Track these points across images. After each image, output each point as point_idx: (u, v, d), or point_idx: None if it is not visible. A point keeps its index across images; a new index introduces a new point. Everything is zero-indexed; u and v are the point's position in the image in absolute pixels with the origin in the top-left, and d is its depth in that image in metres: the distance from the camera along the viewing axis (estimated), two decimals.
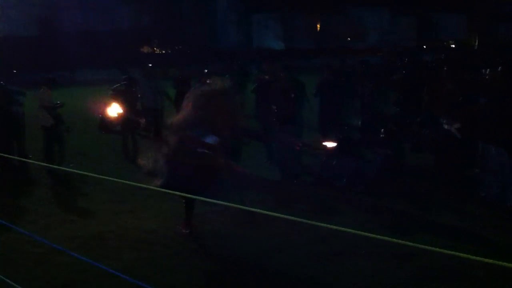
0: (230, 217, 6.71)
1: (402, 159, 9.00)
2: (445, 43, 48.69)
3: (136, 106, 11.63)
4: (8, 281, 4.42)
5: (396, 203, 7.40)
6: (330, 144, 8.78)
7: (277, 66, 10.85)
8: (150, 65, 13.26)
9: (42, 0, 37.39)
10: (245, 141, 9.95)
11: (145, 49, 41.98)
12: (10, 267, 5.53)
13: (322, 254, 5.62)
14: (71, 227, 6.75)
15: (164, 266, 5.45)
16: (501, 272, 4.87)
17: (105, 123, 13.45)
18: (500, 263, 2.21)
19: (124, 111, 11.16)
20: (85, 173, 4.59)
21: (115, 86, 12.65)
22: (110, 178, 4.08)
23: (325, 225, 2.72)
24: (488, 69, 8.92)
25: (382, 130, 8.99)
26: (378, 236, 2.58)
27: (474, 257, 2.32)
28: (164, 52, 42.42)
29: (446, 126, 7.91)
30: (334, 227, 2.64)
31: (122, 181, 3.78)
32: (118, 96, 11.71)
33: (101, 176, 4.28)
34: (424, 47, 42.47)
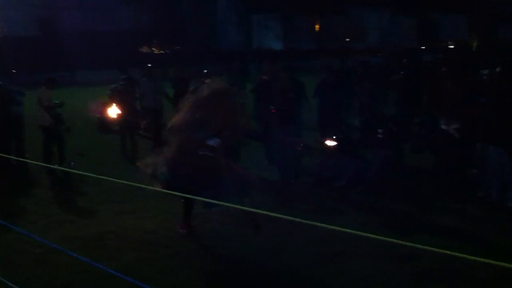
0: (231, 218, 6.71)
1: (402, 160, 9.00)
2: (445, 43, 48.63)
3: (133, 106, 11.61)
4: (8, 282, 4.42)
5: (395, 203, 7.40)
6: (330, 144, 8.78)
7: (277, 67, 10.86)
8: (150, 65, 13.25)
9: (42, 0, 37.34)
10: (245, 141, 9.94)
11: (145, 49, 41.94)
12: (10, 267, 5.53)
13: (322, 254, 5.62)
14: (71, 227, 6.75)
15: (164, 266, 5.45)
16: (501, 272, 4.87)
17: (104, 123, 13.44)
18: (500, 263, 2.21)
19: (121, 110, 11.14)
20: (85, 173, 4.59)
21: (112, 85, 12.64)
22: (110, 179, 4.08)
23: (325, 225, 2.73)
24: (488, 70, 8.92)
25: (382, 130, 8.99)
26: (378, 237, 2.58)
27: (473, 258, 2.32)
28: (164, 52, 42.36)
29: (445, 127, 7.91)
30: (334, 227, 2.64)
31: (122, 181, 3.78)
32: (115, 95, 11.70)
33: (101, 177, 4.27)
34: (424, 47, 42.42)
